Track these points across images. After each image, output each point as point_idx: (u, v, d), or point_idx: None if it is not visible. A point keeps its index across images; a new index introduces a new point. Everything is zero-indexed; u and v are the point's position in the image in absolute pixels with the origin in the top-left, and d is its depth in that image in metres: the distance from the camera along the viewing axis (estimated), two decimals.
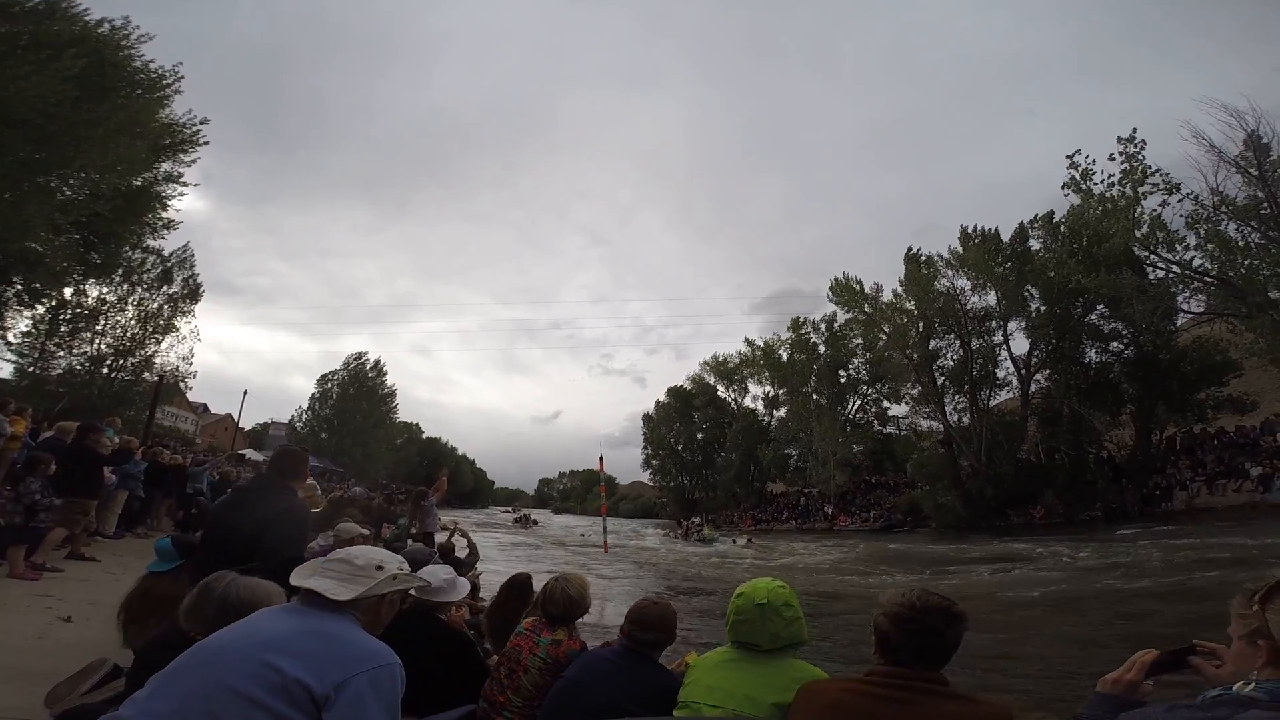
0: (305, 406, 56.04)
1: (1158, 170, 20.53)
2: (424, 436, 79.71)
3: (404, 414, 71.50)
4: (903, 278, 31.01)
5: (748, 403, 50.61)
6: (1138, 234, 21.30)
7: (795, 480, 42.91)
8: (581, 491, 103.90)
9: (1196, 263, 21.22)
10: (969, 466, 27.78)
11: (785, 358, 42.75)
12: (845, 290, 33.79)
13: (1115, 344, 25.72)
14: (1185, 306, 22.97)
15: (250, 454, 30.83)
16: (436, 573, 3.01)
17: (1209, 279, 21.11)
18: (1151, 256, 22.14)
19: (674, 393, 56.86)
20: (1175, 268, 21.82)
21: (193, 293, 26.91)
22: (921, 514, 28.80)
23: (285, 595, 2.00)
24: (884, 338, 32.00)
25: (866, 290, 33.22)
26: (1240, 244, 20.31)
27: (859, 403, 39.37)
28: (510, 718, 2.44)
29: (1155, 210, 20.95)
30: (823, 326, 40.23)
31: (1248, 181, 20.16)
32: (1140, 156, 20.72)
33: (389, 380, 59.16)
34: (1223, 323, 22.20)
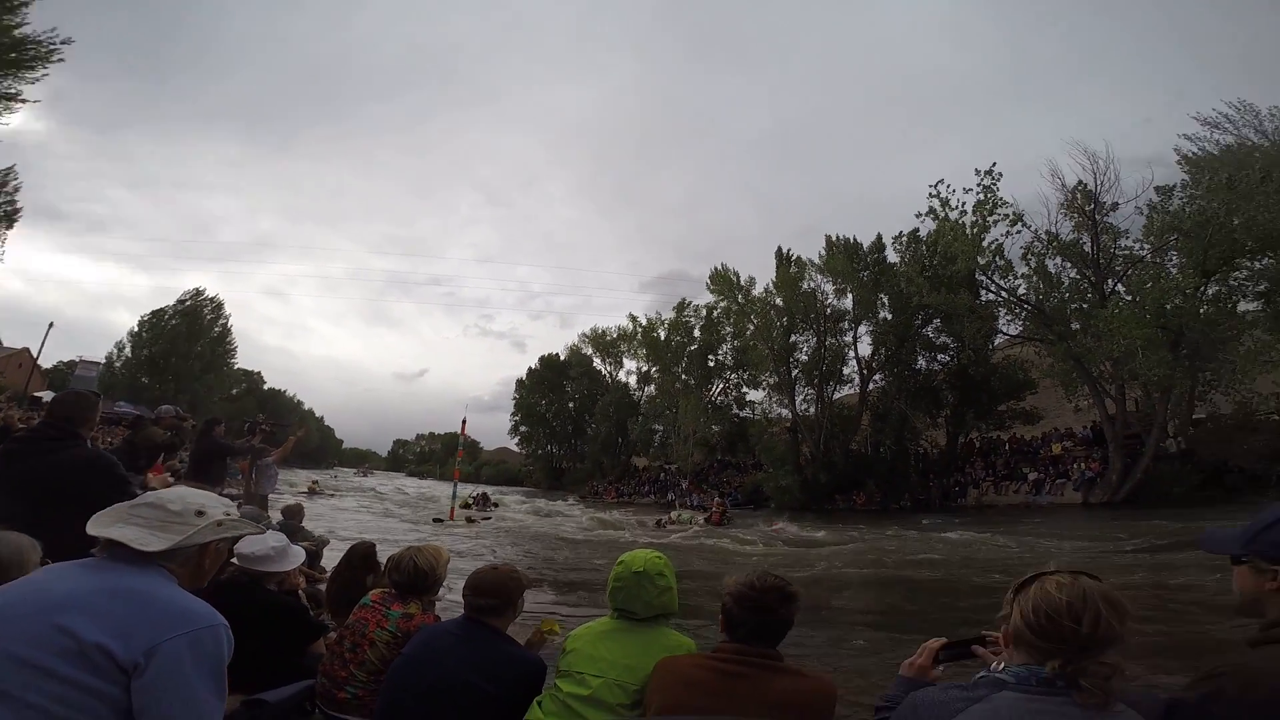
0: (125, 344, 48.97)
1: (1004, 203, 22.98)
2: (266, 387, 72.70)
3: (246, 361, 64.73)
4: (774, 275, 32.92)
5: (621, 376, 51.46)
6: (980, 260, 23.82)
7: (658, 455, 44.38)
8: (441, 455, 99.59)
9: (1021, 291, 24.15)
10: (809, 453, 30.07)
11: (663, 337, 43.92)
12: (723, 280, 35.30)
13: (943, 355, 28.88)
14: (1004, 329, 26.22)
15: (49, 396, 26.31)
16: (266, 540, 2.82)
17: (1027, 306, 24.23)
18: (986, 281, 24.95)
19: (548, 361, 56.45)
20: (1004, 293, 24.78)
21: (6, 217, 22.87)
22: (764, 495, 30.98)
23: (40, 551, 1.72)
24: (751, 328, 33.75)
25: (742, 283, 34.89)
26: (1057, 279, 23.50)
27: (722, 386, 41.33)
28: (356, 693, 2.34)
29: (998, 240, 23.45)
30: (702, 311, 41.74)
31: (1078, 223, 23.42)
32: (995, 188, 23.00)
33: (232, 323, 53.19)
34: (1030, 346, 25.80)
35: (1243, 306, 21.12)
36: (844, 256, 30.06)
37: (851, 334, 30.99)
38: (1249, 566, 1.32)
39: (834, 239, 31.06)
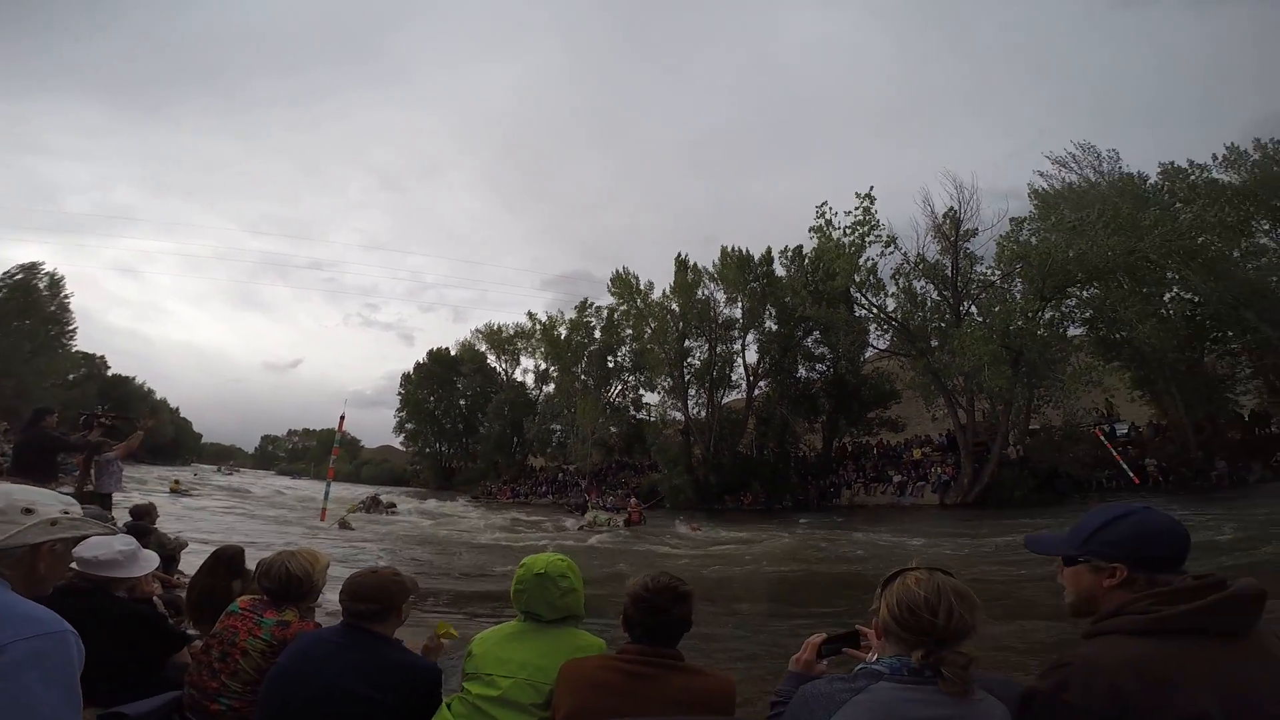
0: None
1: (879, 225, 24.78)
2: (110, 373, 64.05)
3: (88, 343, 56.85)
4: (672, 281, 33.68)
5: (517, 375, 50.39)
6: (856, 278, 25.62)
7: (556, 456, 43.99)
8: (316, 453, 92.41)
9: (890, 308, 26.20)
10: (700, 455, 31.09)
11: (563, 336, 43.55)
12: (624, 283, 35.61)
13: (821, 365, 30.83)
14: (874, 343, 28.48)
15: None
16: (112, 543, 2.60)
17: (895, 323, 26.36)
18: (860, 298, 26.84)
19: (438, 356, 54.23)
20: (875, 310, 26.82)
21: None
22: (659, 495, 31.62)
23: None
24: (649, 331, 34.36)
25: (641, 286, 35.36)
26: (922, 299, 25.67)
27: (620, 387, 41.66)
28: (231, 704, 2.20)
29: (873, 260, 25.31)
30: (604, 312, 41.78)
31: (943, 248, 25.70)
32: (873, 211, 24.75)
33: (73, 301, 46.59)
34: (896, 359, 28.20)
35: (1072, 331, 24.33)
36: (736, 267, 31.28)
37: (740, 342, 32.35)
38: (1086, 566, 1.38)
39: (728, 249, 32.21)
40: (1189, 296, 23.85)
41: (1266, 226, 23.39)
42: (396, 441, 59.19)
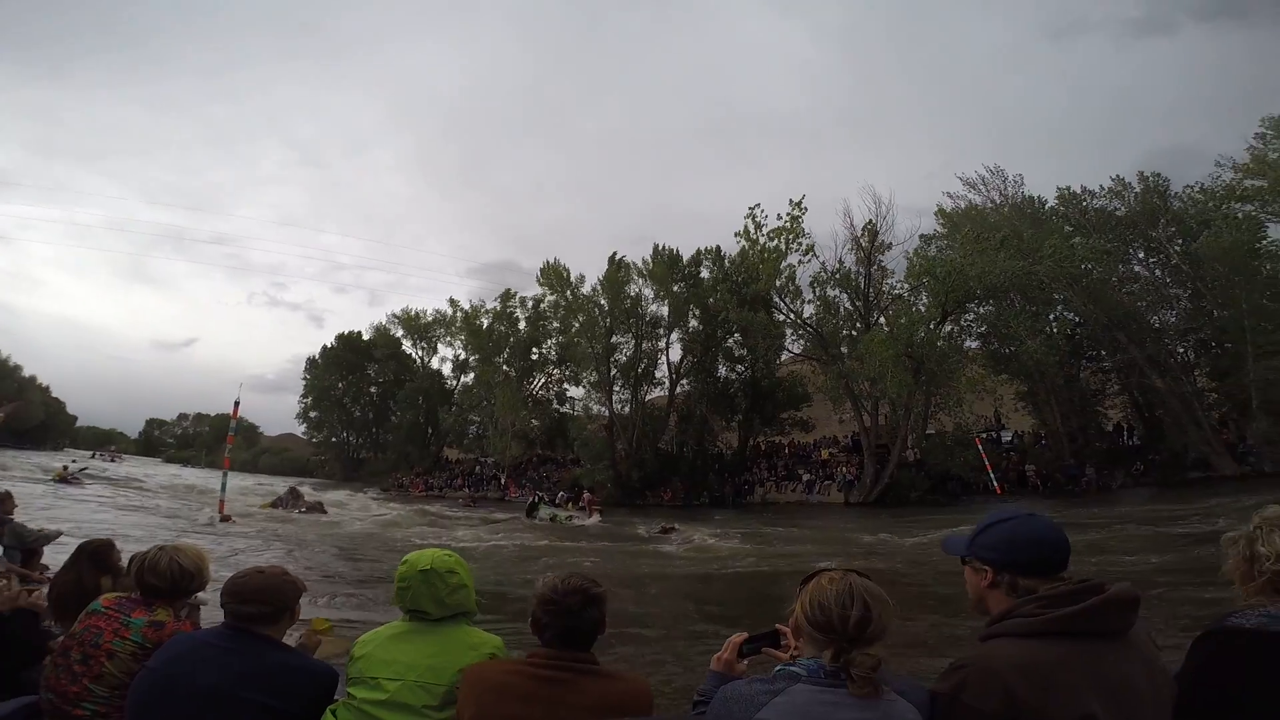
0: None
1: (803, 233, 25.95)
2: None
3: None
4: (602, 276, 33.56)
5: (435, 363, 48.61)
6: (777, 283, 26.64)
7: (473, 448, 42.79)
8: (209, 439, 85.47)
9: (807, 314, 27.47)
10: (623, 450, 31.27)
11: (486, 325, 42.41)
12: (555, 275, 35.38)
13: (740, 366, 31.64)
14: (790, 347, 29.63)
15: None
16: None
17: (810, 329, 27.53)
18: (780, 302, 27.89)
19: (349, 340, 51.47)
20: (793, 315, 27.96)
21: None
22: (582, 489, 31.42)
23: None
24: (577, 325, 34.12)
25: (573, 280, 35.16)
26: (836, 306, 26.91)
27: (544, 380, 41.09)
28: (96, 709, 2.01)
29: (793, 265, 26.46)
30: (529, 304, 41.05)
31: (858, 259, 26.95)
32: (800, 219, 25.85)
33: None
34: (809, 364, 29.37)
35: (968, 344, 26.18)
36: (665, 266, 31.63)
37: (666, 340, 32.78)
38: (970, 567, 1.47)
39: (659, 248, 32.53)
40: (1071, 317, 26.22)
41: (1141, 255, 25.93)
42: (299, 430, 55.71)
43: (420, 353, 49.06)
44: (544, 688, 1.63)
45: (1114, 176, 26.86)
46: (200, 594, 2.37)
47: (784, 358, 30.41)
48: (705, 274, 31.86)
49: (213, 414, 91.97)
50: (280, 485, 28.48)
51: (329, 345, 52.02)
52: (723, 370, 32.04)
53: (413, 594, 1.92)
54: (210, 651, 1.87)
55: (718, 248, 31.20)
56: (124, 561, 2.94)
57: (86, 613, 2.18)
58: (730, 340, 31.28)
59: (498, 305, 42.15)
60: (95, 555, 3.04)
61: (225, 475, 20.45)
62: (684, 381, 32.42)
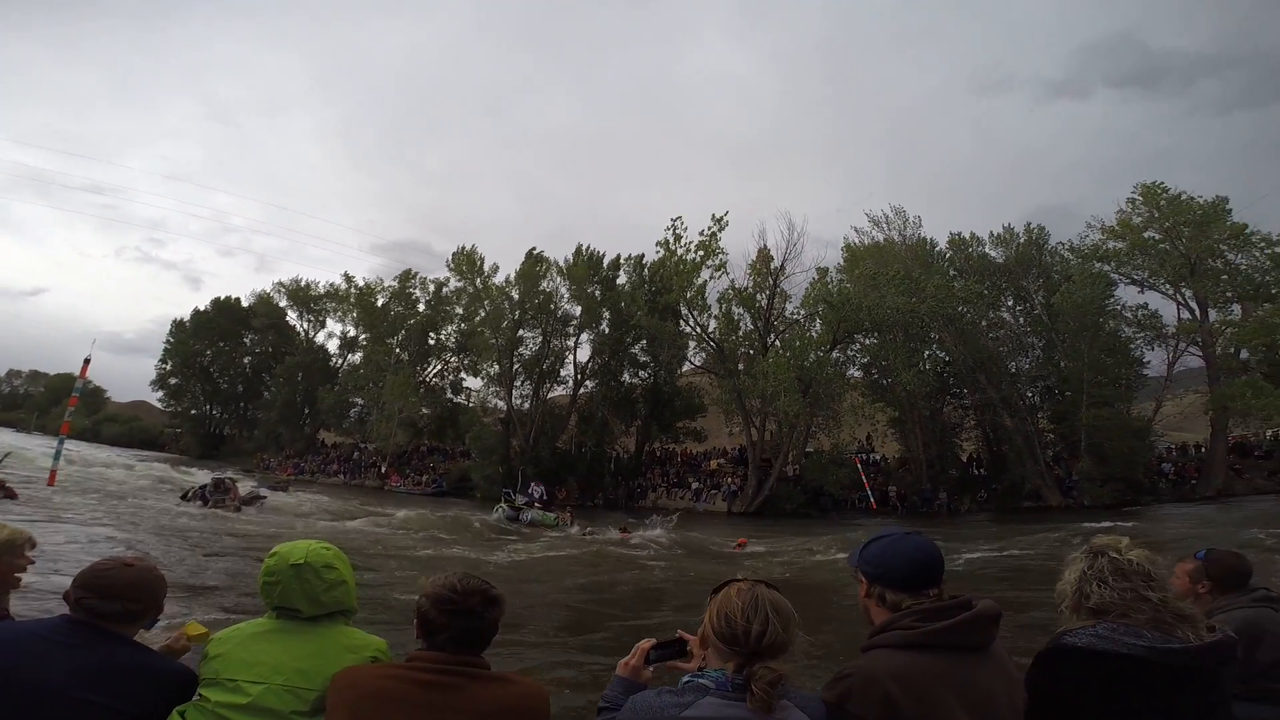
0: None
1: (721, 250, 26.87)
2: None
3: None
4: (518, 268, 33.02)
5: (320, 338, 45.42)
6: (688, 295, 27.43)
7: (354, 432, 40.27)
8: (43, 400, 74.78)
9: (711, 328, 28.47)
10: (518, 446, 30.79)
11: (381, 304, 40.14)
12: (467, 261, 34.40)
13: (643, 373, 32.33)
14: (692, 358, 30.65)
15: None
16: None
17: (712, 343, 28.58)
18: (688, 314, 28.71)
19: (224, 305, 46.93)
20: (698, 328, 28.87)
21: None
22: (470, 483, 30.48)
23: None
24: (483, 314, 33.23)
25: (485, 269, 34.23)
26: (737, 324, 28.08)
27: (440, 367, 39.55)
28: None
29: (704, 280, 27.23)
30: (431, 287, 39.36)
31: (761, 282, 28.19)
32: (719, 235, 26.74)
33: None
34: (707, 376, 30.46)
35: (851, 372, 28.26)
36: (586, 267, 31.67)
37: (575, 340, 32.77)
38: (856, 579, 1.58)
39: (582, 248, 32.56)
40: (942, 355, 28.95)
41: (1010, 302, 28.79)
42: (154, 398, 49.82)
43: (306, 325, 45.58)
44: (430, 693, 1.50)
45: (1005, 225, 29.72)
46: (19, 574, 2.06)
47: (685, 368, 31.44)
48: (623, 279, 32.22)
49: (52, 373, 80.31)
50: (128, 457, 25.05)
51: (202, 308, 47.12)
52: (627, 375, 32.53)
53: (282, 589, 1.74)
54: (44, 645, 1.61)
55: (640, 255, 31.71)
56: None
57: None
58: (637, 346, 31.86)
59: (396, 285, 40.17)
60: None
61: (61, 442, 18.06)
62: (588, 383, 32.55)
